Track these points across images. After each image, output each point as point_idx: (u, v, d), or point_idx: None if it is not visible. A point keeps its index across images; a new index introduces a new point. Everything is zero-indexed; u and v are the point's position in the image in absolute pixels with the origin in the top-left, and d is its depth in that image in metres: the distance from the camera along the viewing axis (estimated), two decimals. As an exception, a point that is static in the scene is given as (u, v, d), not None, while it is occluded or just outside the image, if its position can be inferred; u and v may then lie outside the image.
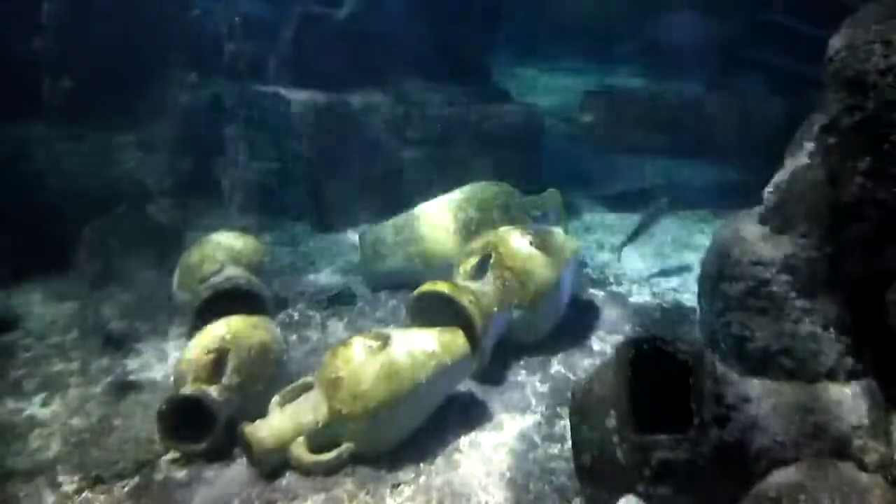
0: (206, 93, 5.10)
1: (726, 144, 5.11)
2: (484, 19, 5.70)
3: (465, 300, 3.12)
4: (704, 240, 4.47)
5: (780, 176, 3.08)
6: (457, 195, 4.22)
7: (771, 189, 3.10)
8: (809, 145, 2.95)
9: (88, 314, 3.71)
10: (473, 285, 3.34)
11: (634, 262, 4.44)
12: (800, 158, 3.06)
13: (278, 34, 5.44)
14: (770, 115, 5.03)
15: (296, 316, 3.75)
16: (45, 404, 3.07)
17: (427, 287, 3.23)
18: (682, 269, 4.31)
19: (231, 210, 5.03)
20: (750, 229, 3.01)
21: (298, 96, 5.05)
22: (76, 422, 2.94)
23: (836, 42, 2.80)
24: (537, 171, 5.15)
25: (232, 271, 3.53)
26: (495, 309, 3.25)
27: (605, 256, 4.51)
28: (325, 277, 4.26)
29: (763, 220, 3.08)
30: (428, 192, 4.42)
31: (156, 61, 5.16)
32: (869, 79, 2.60)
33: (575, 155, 5.40)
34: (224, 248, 3.67)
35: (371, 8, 5.30)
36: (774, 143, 3.57)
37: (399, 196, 4.75)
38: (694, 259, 4.30)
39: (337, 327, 3.68)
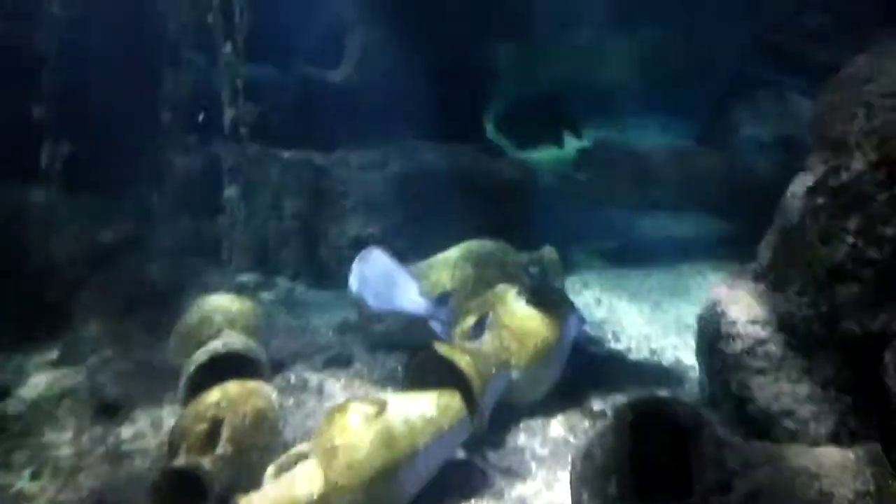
0: (205, 154, 5.17)
1: (719, 198, 5.18)
2: (478, 78, 5.85)
3: (463, 362, 3.10)
4: (701, 293, 4.48)
5: (772, 234, 3.11)
6: (453, 253, 4.25)
7: (764, 247, 3.13)
8: (799, 204, 2.99)
9: (82, 380, 3.68)
10: (471, 346, 3.33)
11: (632, 316, 4.44)
12: (790, 216, 3.09)
13: (277, 96, 5.56)
14: (759, 169, 5.11)
15: (292, 379, 3.72)
16: (34, 478, 3.00)
17: (424, 348, 3.22)
18: (680, 324, 4.30)
19: (229, 269, 5.04)
20: (745, 287, 3.03)
21: (296, 156, 5.14)
22: (65, 496, 2.88)
23: (819, 104, 2.89)
24: (533, 226, 5.19)
25: (228, 335, 3.51)
26: (494, 370, 3.22)
27: (603, 313, 4.51)
28: (323, 337, 4.25)
29: (757, 278, 3.10)
30: (424, 250, 4.44)
31: (154, 123, 5.25)
32: (852, 140, 2.66)
33: (570, 210, 5.46)
34: (221, 311, 3.67)
35: (367, 70, 5.45)
36: (765, 197, 3.63)
37: (396, 254, 4.76)
38: (691, 313, 4.29)
39: (334, 389, 3.64)
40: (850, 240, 2.52)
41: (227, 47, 4.97)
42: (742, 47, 5.63)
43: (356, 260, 3.16)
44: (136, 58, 4.99)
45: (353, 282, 3.14)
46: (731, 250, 4.82)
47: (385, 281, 3.04)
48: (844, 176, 2.62)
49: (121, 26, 4.88)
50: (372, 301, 3.04)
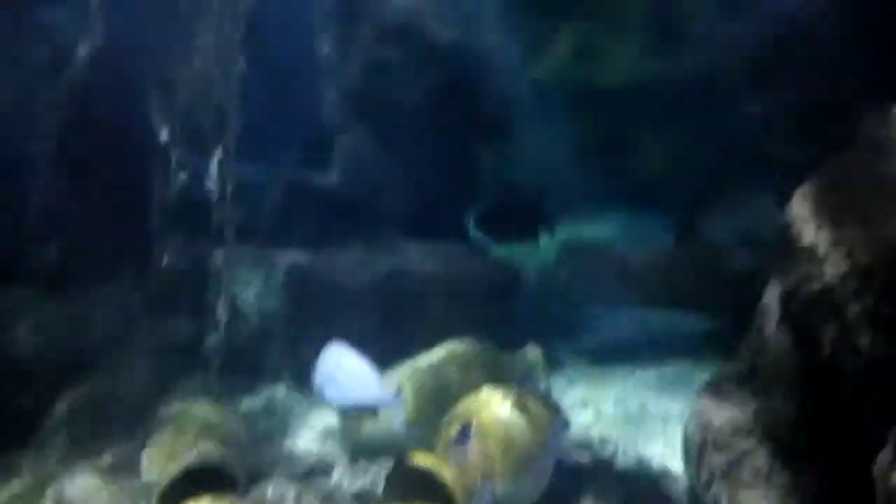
0: (190, 254, 5.19)
1: (699, 295, 5.24)
2: (461, 179, 6.03)
3: (446, 475, 3.02)
4: (687, 393, 4.44)
5: (751, 339, 3.13)
6: (437, 355, 4.22)
7: (744, 352, 3.14)
8: (774, 310, 3.03)
9: (49, 495, 3.51)
10: (454, 455, 3.25)
11: (618, 419, 4.38)
12: (767, 322, 3.12)
13: (266, 197, 5.68)
14: (736, 267, 5.20)
15: (269, 492, 3.57)
16: None
17: (406, 458, 3.14)
18: (667, 427, 4.23)
19: (210, 372, 4.95)
20: (727, 394, 3.01)
21: (282, 256, 5.20)
22: None
23: (788, 211, 2.98)
24: (517, 325, 5.20)
25: (204, 447, 3.42)
26: (478, 481, 3.13)
27: (589, 416, 4.45)
28: (303, 444, 4.16)
29: (741, 384, 3.09)
30: (409, 351, 4.42)
31: (142, 224, 5.30)
32: (820, 250, 2.73)
33: (553, 308, 5.50)
34: (197, 421, 3.60)
35: (354, 172, 5.60)
36: (744, 294, 3.69)
37: (380, 355, 4.73)
38: (678, 415, 4.24)
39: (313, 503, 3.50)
40: (828, 350, 2.54)
41: (218, 150, 5.14)
42: (717, 148, 5.86)
43: (318, 356, 3.20)
44: (127, 159, 5.11)
45: (316, 378, 3.17)
46: (713, 347, 4.83)
47: (347, 376, 3.10)
48: (817, 285, 2.67)
49: (113, 128, 5.03)
50: (334, 397, 3.09)
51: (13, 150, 4.71)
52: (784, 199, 3.46)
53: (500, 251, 6.04)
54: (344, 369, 3.14)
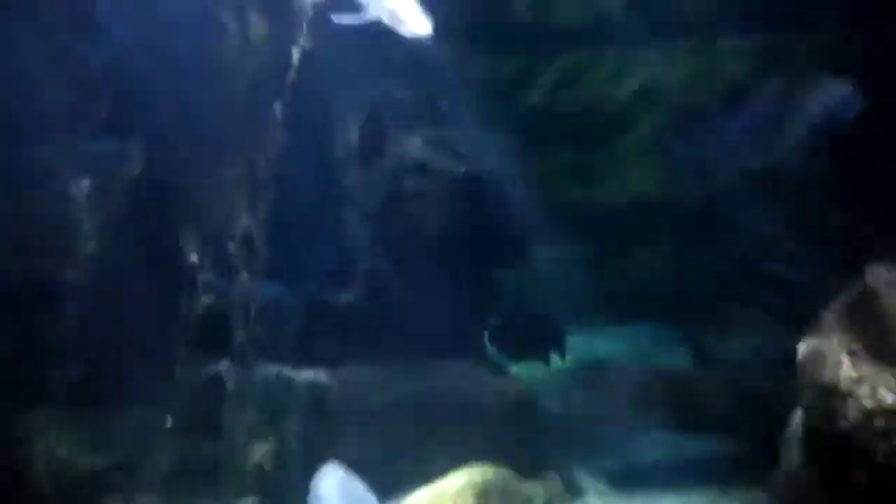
0: (209, 375, 5.22)
1: (719, 417, 5.16)
2: (478, 298, 6.13)
3: None
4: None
5: (778, 475, 3.08)
6: (454, 483, 4.16)
7: (771, 487, 3.08)
8: (799, 447, 2.99)
9: None
10: None
11: (646, 551, 4.20)
12: (794, 456, 3.08)
13: (287, 316, 5.76)
14: (759, 384, 5.14)
15: None
16: None
17: None
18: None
19: (225, 494, 4.85)
20: (758, 534, 2.92)
21: (301, 375, 5.21)
22: None
23: (803, 349, 3.01)
24: (536, 447, 5.10)
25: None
26: None
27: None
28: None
29: (770, 522, 3.01)
30: (425, 473, 4.34)
31: (165, 345, 5.37)
32: (842, 388, 2.74)
33: (572, 429, 5.41)
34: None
35: (376, 294, 5.72)
36: (767, 416, 3.64)
37: (395, 478, 4.63)
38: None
39: None
40: (857, 496, 2.50)
41: (243, 272, 5.30)
42: (725, 268, 5.97)
43: (314, 478, 3.20)
44: (154, 281, 5.26)
45: (311, 501, 3.17)
46: (737, 473, 4.72)
47: (343, 498, 3.09)
48: (842, 424, 2.65)
49: (143, 253, 5.21)
50: None
51: (45, 274, 4.89)
52: (791, 320, 3.48)
53: (515, 367, 6.05)
54: (340, 492, 3.13)
